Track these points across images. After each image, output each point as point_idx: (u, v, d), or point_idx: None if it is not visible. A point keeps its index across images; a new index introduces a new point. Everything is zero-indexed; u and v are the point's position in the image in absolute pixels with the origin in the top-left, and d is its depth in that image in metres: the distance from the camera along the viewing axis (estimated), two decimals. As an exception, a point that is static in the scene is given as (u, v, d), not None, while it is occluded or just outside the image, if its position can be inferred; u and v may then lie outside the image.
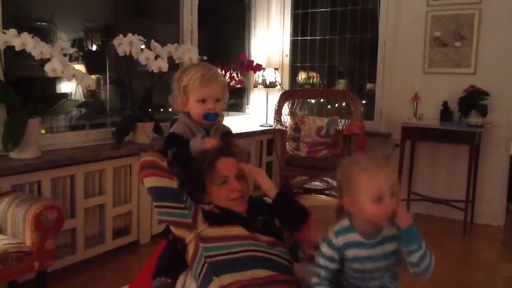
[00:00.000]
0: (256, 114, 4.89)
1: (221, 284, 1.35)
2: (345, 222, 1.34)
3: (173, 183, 1.50)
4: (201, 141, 1.58)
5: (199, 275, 1.41)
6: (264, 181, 1.56)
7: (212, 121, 1.71)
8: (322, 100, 4.61)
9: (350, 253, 1.32)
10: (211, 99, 1.67)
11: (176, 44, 3.38)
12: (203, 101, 1.67)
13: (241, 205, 1.55)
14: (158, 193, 1.49)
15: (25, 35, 2.45)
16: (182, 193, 1.49)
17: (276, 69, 4.75)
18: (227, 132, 1.79)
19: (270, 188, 1.54)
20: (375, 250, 1.32)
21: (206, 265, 1.40)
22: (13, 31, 2.45)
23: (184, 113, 1.73)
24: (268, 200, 1.79)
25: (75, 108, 3.39)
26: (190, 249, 1.47)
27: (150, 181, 1.49)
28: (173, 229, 1.50)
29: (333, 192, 4.16)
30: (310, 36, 4.89)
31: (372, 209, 1.24)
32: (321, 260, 1.35)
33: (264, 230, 1.51)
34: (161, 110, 4.07)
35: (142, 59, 3.13)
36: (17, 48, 2.44)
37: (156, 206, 1.49)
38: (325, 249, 1.34)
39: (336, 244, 1.32)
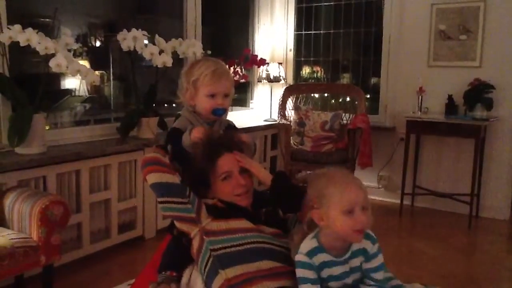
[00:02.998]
0: (260, 109, 4.89)
1: (227, 276, 1.35)
2: (313, 243, 1.29)
3: (175, 179, 1.51)
4: (189, 133, 1.58)
5: (205, 269, 1.42)
6: (258, 171, 1.56)
7: (220, 116, 1.72)
8: (326, 95, 4.60)
9: (325, 273, 1.29)
10: (221, 94, 1.68)
11: (180, 39, 3.37)
12: (212, 96, 1.67)
13: (246, 199, 1.55)
14: (161, 189, 1.49)
15: (29, 31, 2.45)
16: (184, 188, 1.50)
17: (280, 63, 4.74)
18: (230, 125, 1.79)
19: (265, 177, 1.54)
20: (347, 266, 1.30)
21: (211, 258, 1.40)
22: (17, 27, 2.45)
23: (191, 106, 1.73)
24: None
25: (79, 104, 3.39)
26: (195, 243, 1.47)
27: (153, 177, 1.50)
28: (178, 224, 1.51)
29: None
30: (314, 30, 4.87)
31: (342, 221, 1.21)
32: (301, 281, 1.29)
33: (269, 222, 1.52)
34: (165, 105, 4.08)
35: (146, 54, 3.13)
36: (22, 44, 2.44)
37: (160, 202, 1.50)
38: (303, 272, 1.28)
39: (313, 263, 1.28)
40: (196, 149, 1.56)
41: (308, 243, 1.30)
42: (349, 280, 1.31)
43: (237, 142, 1.61)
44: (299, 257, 1.30)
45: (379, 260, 1.30)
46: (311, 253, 1.28)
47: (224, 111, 1.72)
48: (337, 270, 1.29)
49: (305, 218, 1.32)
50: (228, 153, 1.56)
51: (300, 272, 1.29)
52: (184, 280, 1.51)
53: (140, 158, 3.09)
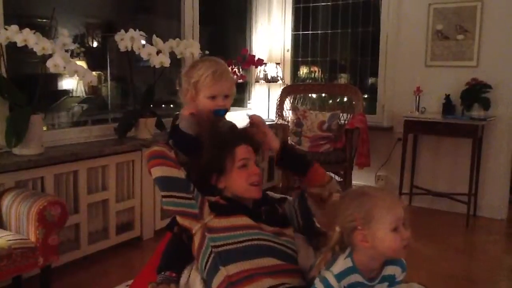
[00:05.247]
0: (258, 109, 4.88)
1: (228, 273, 1.35)
2: (347, 262, 1.26)
3: (181, 174, 1.50)
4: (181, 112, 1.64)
5: (205, 266, 1.42)
6: (273, 137, 1.71)
7: (221, 116, 1.72)
8: (324, 95, 4.61)
9: None
10: (221, 95, 1.68)
11: (177, 39, 3.37)
12: (213, 97, 1.67)
13: (259, 191, 1.56)
14: (166, 183, 1.48)
15: (26, 31, 2.45)
16: (189, 183, 1.50)
17: (277, 63, 4.74)
18: (233, 126, 1.78)
19: (276, 143, 1.70)
20: None
21: (212, 255, 1.40)
22: (15, 27, 2.44)
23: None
24: (272, 194, 1.80)
25: (77, 104, 3.39)
26: (196, 240, 1.47)
27: (158, 171, 1.48)
28: (180, 220, 1.50)
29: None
30: (311, 30, 4.87)
31: (392, 239, 1.21)
32: None
33: (269, 221, 1.52)
34: (163, 105, 4.07)
35: (144, 55, 3.13)
36: (19, 44, 2.44)
37: (164, 196, 1.48)
38: None
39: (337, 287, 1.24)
40: (193, 122, 1.61)
41: (342, 263, 1.26)
42: None
43: (254, 136, 1.65)
44: (328, 276, 1.25)
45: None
46: (343, 274, 1.25)
47: (225, 112, 1.72)
48: None
49: (333, 240, 1.29)
50: (244, 144, 1.56)
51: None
52: (182, 280, 1.51)
53: (138, 158, 3.11)
